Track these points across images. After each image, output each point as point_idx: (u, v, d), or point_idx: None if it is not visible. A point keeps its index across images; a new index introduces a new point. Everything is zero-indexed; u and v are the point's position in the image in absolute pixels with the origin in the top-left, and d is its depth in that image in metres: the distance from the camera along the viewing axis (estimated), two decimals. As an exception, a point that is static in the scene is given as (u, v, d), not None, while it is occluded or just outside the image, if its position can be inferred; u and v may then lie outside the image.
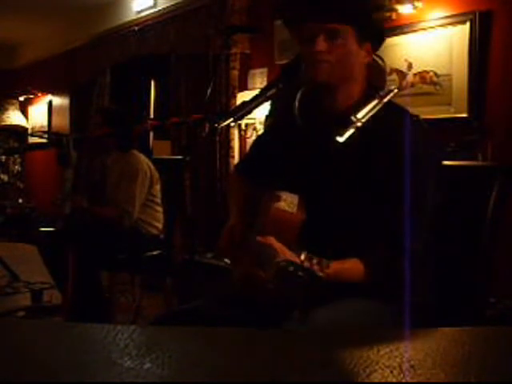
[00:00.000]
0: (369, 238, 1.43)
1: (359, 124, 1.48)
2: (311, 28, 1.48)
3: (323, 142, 1.53)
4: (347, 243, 1.44)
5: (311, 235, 1.43)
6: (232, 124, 1.60)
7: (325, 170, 1.53)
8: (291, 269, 1.15)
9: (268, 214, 1.48)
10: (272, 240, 1.37)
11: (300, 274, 1.14)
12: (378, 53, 1.60)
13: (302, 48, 1.52)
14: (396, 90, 1.54)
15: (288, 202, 1.47)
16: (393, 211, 1.43)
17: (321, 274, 1.18)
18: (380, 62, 1.61)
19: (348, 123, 1.48)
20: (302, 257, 1.21)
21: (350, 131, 1.48)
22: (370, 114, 1.49)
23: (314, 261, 1.19)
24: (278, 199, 1.47)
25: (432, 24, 3.24)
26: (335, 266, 1.35)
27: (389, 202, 1.44)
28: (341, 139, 1.48)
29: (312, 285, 1.15)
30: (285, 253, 1.33)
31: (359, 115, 1.48)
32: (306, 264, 1.18)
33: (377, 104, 1.50)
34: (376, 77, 1.61)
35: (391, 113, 1.51)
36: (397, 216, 1.42)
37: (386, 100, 1.51)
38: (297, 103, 1.60)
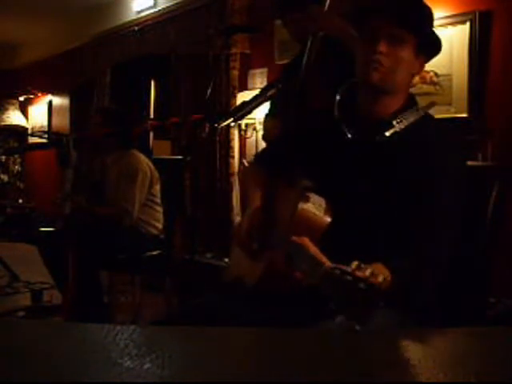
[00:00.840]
0: (395, 247, 1.41)
1: (398, 129, 1.49)
2: (374, 29, 1.48)
3: (358, 144, 1.53)
4: (372, 250, 1.43)
5: (336, 239, 1.42)
6: (232, 124, 1.60)
7: (355, 173, 1.53)
8: (349, 278, 1.10)
9: (295, 213, 1.47)
10: (306, 241, 1.37)
11: (361, 286, 1.09)
12: None
13: (360, 47, 1.52)
14: (435, 104, 1.56)
15: (316, 205, 1.47)
16: (418, 223, 1.43)
17: (379, 286, 1.12)
18: None
19: (388, 126, 1.49)
20: (353, 265, 1.13)
21: (390, 133, 1.49)
22: (408, 122, 1.50)
23: (368, 271, 1.11)
24: (307, 200, 1.47)
25: (432, 24, 3.24)
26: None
27: (418, 213, 1.43)
28: (380, 139, 1.49)
29: (372, 297, 1.09)
30: (320, 257, 1.32)
31: (399, 120, 1.50)
32: (359, 274, 1.11)
33: (416, 114, 1.52)
34: None
35: (426, 123, 1.53)
36: (425, 227, 1.42)
37: (424, 110, 1.54)
38: (336, 103, 1.60)
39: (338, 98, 1.60)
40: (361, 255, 1.34)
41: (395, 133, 1.49)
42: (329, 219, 1.47)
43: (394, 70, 1.48)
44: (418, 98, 1.60)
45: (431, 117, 1.58)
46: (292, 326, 1.33)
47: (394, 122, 1.49)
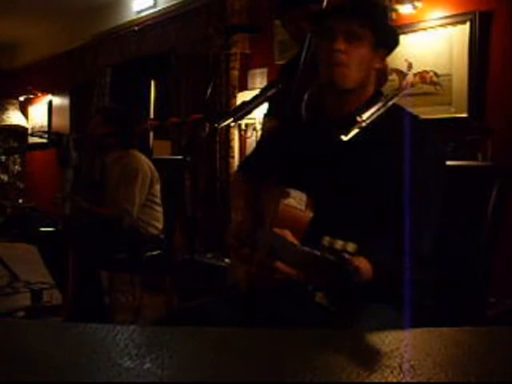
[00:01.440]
0: (375, 237, 1.43)
1: (364, 124, 1.50)
2: (332, 27, 1.50)
3: (328, 141, 1.55)
4: (354, 242, 1.44)
5: (319, 232, 1.43)
6: (232, 124, 1.60)
7: (330, 168, 1.55)
8: (318, 253, 1.12)
9: (277, 210, 1.49)
10: (287, 233, 1.38)
11: (330, 257, 1.11)
12: None
13: (321, 47, 1.54)
14: (401, 93, 1.56)
15: (297, 200, 1.48)
16: (398, 212, 1.43)
17: (349, 256, 1.12)
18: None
19: (353, 123, 1.50)
20: (325, 241, 1.15)
21: (355, 131, 1.50)
22: (375, 116, 1.52)
23: (338, 244, 1.13)
24: (288, 196, 1.48)
25: (432, 24, 3.24)
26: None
27: (394, 203, 1.43)
28: (345, 138, 1.50)
29: (343, 267, 1.11)
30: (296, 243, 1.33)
31: (364, 116, 1.51)
32: (337, 251, 1.12)
33: (382, 106, 1.53)
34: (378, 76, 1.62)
35: (394, 114, 1.54)
36: (403, 217, 1.42)
37: (391, 103, 1.54)
38: (304, 103, 1.61)
39: (305, 98, 1.61)
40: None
41: (362, 128, 1.50)
42: (311, 213, 1.48)
43: (354, 67, 1.50)
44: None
45: (400, 107, 1.58)
46: (286, 326, 1.34)
47: (358, 118, 1.50)
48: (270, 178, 1.65)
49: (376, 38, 1.50)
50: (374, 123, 1.51)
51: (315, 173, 1.56)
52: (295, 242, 1.35)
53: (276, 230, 1.39)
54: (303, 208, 1.48)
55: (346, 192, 1.51)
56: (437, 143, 1.54)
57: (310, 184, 1.52)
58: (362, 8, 1.51)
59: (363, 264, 1.30)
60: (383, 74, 1.63)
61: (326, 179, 1.54)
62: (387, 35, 1.55)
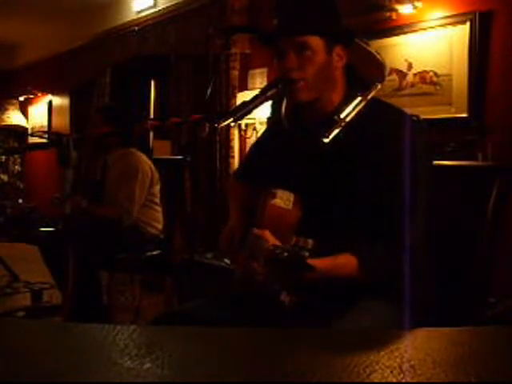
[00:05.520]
0: (363, 234, 1.43)
1: (343, 124, 1.48)
2: (280, 44, 1.49)
3: (311, 143, 1.54)
4: (343, 239, 1.44)
5: (307, 231, 1.43)
6: (232, 124, 1.60)
7: (315, 169, 1.54)
8: (278, 251, 1.23)
9: (264, 211, 1.49)
10: (266, 233, 1.39)
11: (285, 254, 1.22)
12: (378, 52, 1.60)
13: (277, 66, 1.51)
14: (379, 86, 1.54)
15: (284, 199, 1.50)
16: (384, 208, 1.43)
17: (305, 253, 1.23)
18: (378, 56, 1.60)
19: (332, 123, 1.49)
20: (293, 241, 1.26)
21: (335, 131, 1.49)
22: (354, 112, 1.49)
23: (301, 242, 1.25)
24: (274, 196, 1.49)
25: (432, 24, 3.24)
26: (328, 262, 1.37)
27: (380, 200, 1.43)
28: (326, 140, 1.49)
29: (297, 264, 1.22)
30: (276, 243, 1.35)
31: (342, 115, 1.49)
32: (294, 248, 1.25)
33: (360, 101, 1.50)
34: (375, 72, 1.60)
35: (377, 110, 1.51)
36: (388, 213, 1.42)
37: (369, 97, 1.51)
38: (283, 107, 1.61)
39: (283, 104, 1.61)
40: (333, 246, 1.39)
41: (342, 128, 1.48)
42: (298, 212, 1.49)
43: (312, 78, 1.47)
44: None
45: (383, 102, 1.54)
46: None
47: (336, 118, 1.48)
48: (261, 182, 1.65)
49: (325, 40, 1.47)
50: (357, 120, 1.49)
51: (302, 173, 1.56)
52: (273, 241, 1.36)
53: (255, 230, 1.40)
54: (290, 207, 1.50)
55: (332, 191, 1.50)
56: (422, 142, 1.50)
57: (298, 184, 1.52)
58: (302, 17, 1.47)
59: (318, 262, 1.32)
60: (377, 65, 1.60)
61: (312, 179, 1.54)
62: (337, 33, 1.50)
